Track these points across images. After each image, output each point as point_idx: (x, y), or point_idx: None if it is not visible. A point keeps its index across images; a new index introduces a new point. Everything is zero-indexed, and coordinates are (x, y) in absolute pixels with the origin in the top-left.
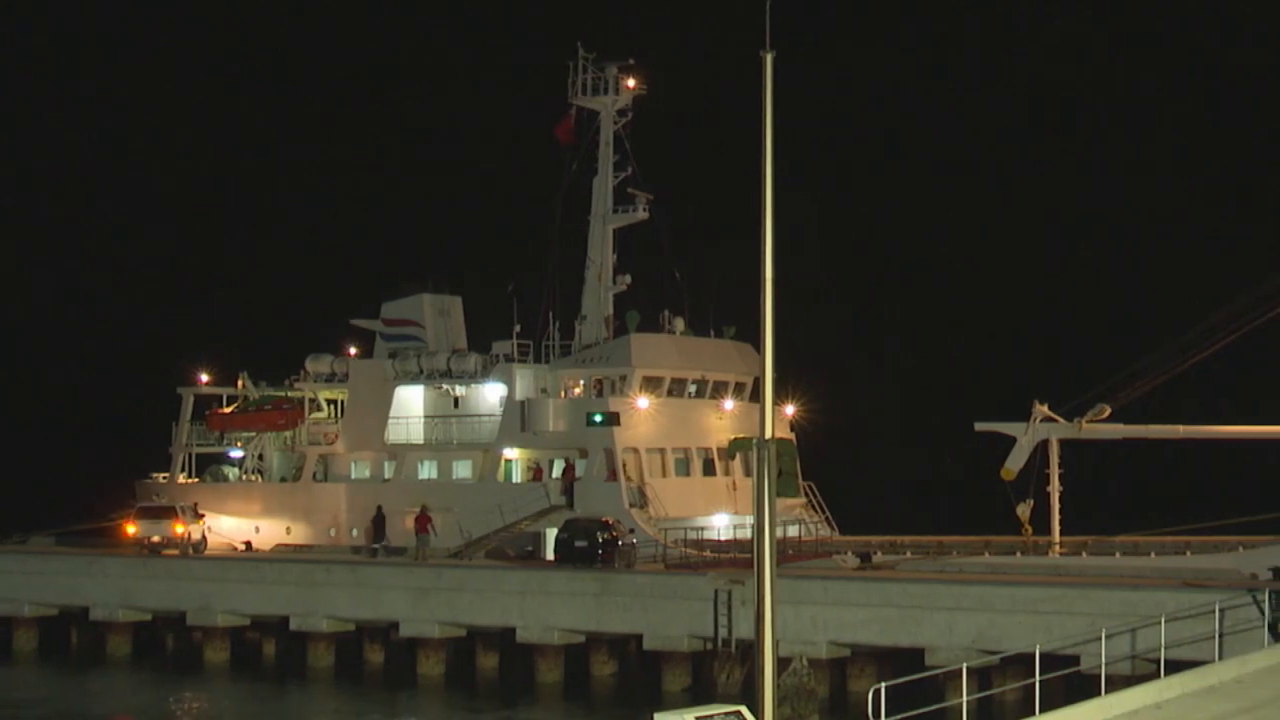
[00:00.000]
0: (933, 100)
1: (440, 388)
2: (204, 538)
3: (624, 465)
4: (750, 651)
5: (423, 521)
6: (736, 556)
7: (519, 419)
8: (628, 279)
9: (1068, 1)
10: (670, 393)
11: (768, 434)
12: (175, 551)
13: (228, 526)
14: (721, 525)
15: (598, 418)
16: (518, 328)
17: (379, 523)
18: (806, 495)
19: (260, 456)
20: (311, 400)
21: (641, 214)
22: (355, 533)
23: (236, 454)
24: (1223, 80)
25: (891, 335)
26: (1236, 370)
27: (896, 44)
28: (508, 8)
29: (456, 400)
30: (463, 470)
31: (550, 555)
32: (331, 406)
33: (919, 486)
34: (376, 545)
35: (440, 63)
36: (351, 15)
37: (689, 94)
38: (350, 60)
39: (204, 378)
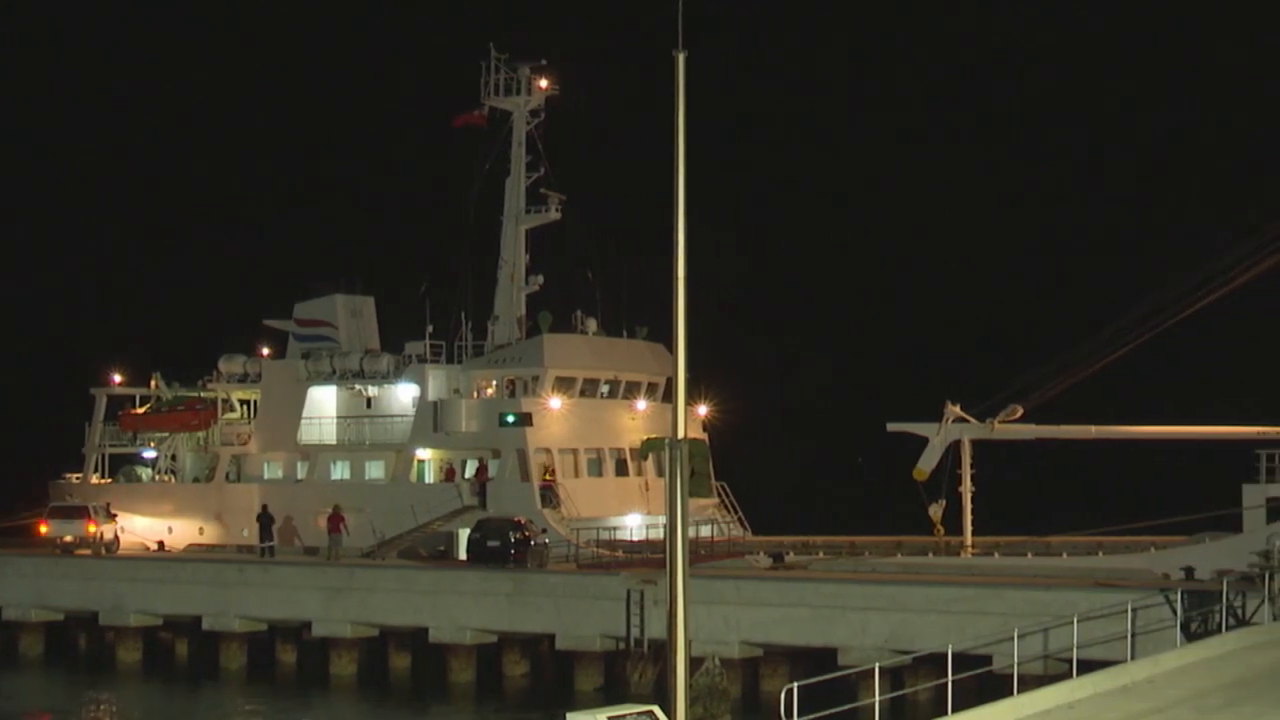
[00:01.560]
0: (860, 103)
1: (353, 388)
2: (116, 538)
3: (546, 467)
4: (663, 651)
5: (335, 521)
6: (649, 557)
7: (431, 419)
8: (540, 279)
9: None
10: (583, 393)
11: (680, 434)
12: (88, 551)
13: (141, 526)
14: (634, 525)
15: (510, 418)
16: (430, 328)
17: (264, 522)
18: (719, 495)
19: (173, 457)
20: (224, 401)
21: (554, 214)
22: (246, 533)
23: (150, 454)
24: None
25: (805, 335)
26: (1149, 371)
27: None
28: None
29: (369, 401)
30: (375, 470)
31: (463, 555)
32: (244, 407)
33: (831, 487)
34: (264, 545)
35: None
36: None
37: (604, 94)
38: (275, 56)
39: (117, 378)
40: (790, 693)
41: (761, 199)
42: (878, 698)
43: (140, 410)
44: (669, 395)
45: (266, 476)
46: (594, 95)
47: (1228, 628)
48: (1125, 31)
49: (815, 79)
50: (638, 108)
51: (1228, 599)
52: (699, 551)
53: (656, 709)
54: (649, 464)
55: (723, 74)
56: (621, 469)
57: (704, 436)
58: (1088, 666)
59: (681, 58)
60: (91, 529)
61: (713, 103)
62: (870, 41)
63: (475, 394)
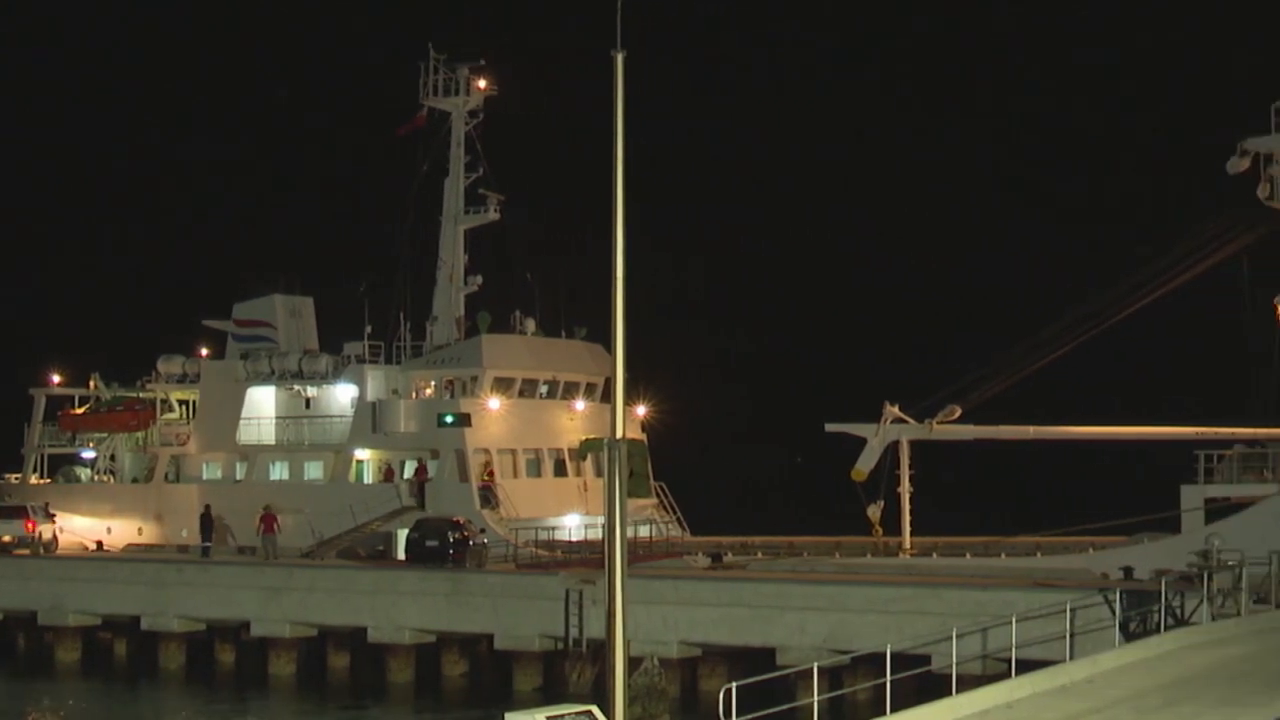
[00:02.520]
0: (805, 102)
1: (292, 388)
2: (55, 537)
3: (484, 468)
4: (601, 651)
5: (268, 521)
6: (587, 557)
7: (370, 420)
8: (479, 280)
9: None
10: (521, 393)
11: (619, 434)
12: (26, 551)
13: (80, 526)
14: (573, 526)
15: (449, 418)
16: (369, 329)
17: (205, 522)
18: (658, 496)
19: (112, 457)
20: (163, 401)
21: (493, 215)
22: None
23: (89, 454)
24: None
25: (743, 335)
26: (1088, 372)
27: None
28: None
29: (308, 401)
30: (314, 471)
31: (401, 555)
32: (183, 407)
33: (769, 487)
34: (206, 545)
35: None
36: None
37: (544, 95)
38: (217, 50)
39: (56, 378)
40: (729, 692)
41: (728, 197)
42: (816, 697)
43: (79, 410)
44: (608, 395)
45: (205, 477)
46: (535, 95)
47: (1166, 628)
48: (1125, 31)
49: (814, 77)
50: (580, 107)
51: (1166, 599)
52: (637, 551)
53: (595, 709)
54: (588, 464)
55: (720, 73)
56: (560, 469)
57: (642, 437)
58: (1026, 666)
59: (620, 58)
60: (30, 529)
61: (706, 101)
62: (868, 40)
63: (414, 394)
